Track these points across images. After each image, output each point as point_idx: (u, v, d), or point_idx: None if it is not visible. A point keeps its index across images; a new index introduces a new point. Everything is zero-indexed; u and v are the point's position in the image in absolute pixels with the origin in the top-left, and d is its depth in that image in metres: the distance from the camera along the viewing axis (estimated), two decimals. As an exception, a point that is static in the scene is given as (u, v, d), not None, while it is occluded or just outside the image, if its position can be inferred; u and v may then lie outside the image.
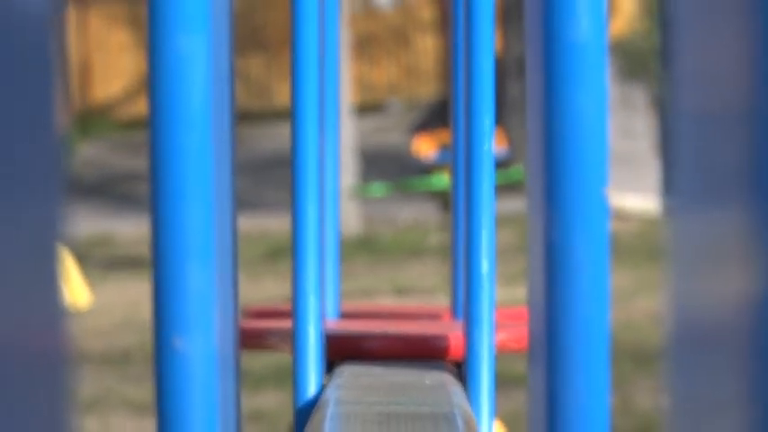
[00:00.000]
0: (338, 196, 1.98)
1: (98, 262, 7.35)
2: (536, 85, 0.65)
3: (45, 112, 0.41)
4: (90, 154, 11.64)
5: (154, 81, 0.62)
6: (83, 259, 7.11)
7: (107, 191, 10.39)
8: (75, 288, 6.31)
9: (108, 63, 12.67)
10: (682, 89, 0.37)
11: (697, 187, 0.35)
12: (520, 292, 4.28)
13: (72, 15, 12.63)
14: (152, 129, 0.62)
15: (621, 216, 8.46)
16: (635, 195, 9.54)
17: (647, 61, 10.46)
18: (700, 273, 0.35)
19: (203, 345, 0.61)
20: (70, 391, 0.39)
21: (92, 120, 12.25)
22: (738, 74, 0.32)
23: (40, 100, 0.40)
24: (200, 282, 0.61)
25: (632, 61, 10.04)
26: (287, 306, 1.70)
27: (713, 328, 0.34)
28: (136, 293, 6.37)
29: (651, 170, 10.02)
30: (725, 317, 0.33)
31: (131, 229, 8.60)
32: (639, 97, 10.23)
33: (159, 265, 0.61)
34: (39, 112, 0.40)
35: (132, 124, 11.82)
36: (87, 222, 9.01)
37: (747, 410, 0.31)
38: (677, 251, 0.35)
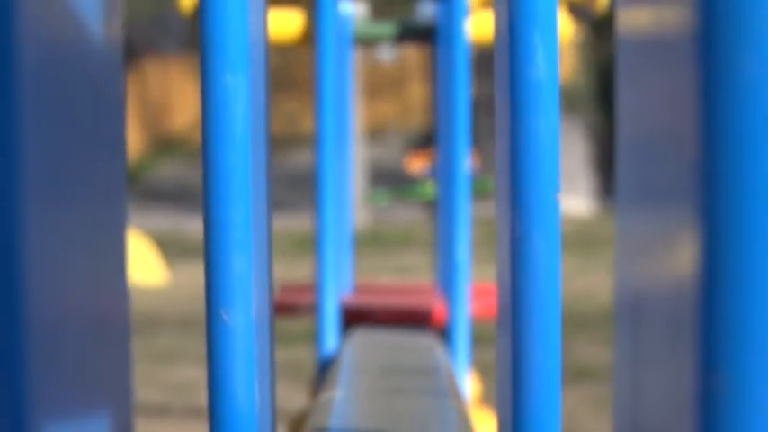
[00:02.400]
0: (352, 201, 1.97)
1: (174, 250, 7.35)
2: (503, 115, 0.63)
3: (117, 138, 0.38)
4: (169, 171, 11.67)
5: (206, 111, 0.60)
6: (163, 248, 7.11)
7: (181, 197, 10.41)
8: (154, 268, 6.30)
9: (183, 103, 12.69)
10: (623, 119, 0.35)
11: (635, 193, 0.33)
12: (490, 273, 4.27)
13: (157, 67, 12.67)
14: (204, 149, 0.60)
15: (561, 217, 8.45)
16: (572, 201, 9.55)
17: (583, 101, 10.50)
18: (638, 259, 0.33)
19: (244, 316, 0.60)
20: (128, 347, 0.37)
21: (171, 146, 12.29)
22: (666, 108, 0.30)
23: (112, 128, 0.38)
24: (242, 267, 0.59)
25: (571, 100, 10.07)
26: (312, 283, 1.68)
27: (648, 300, 0.32)
28: (201, 274, 6.36)
29: (584, 182, 10.04)
30: (657, 292, 0.31)
31: (199, 226, 8.61)
32: (576, 127, 10.25)
33: (210, 253, 0.60)
34: (111, 137, 0.38)
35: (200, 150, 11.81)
36: (166, 220, 9.02)
37: (672, 364, 0.29)
38: (621, 242, 0.33)
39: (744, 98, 0.23)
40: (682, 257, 0.27)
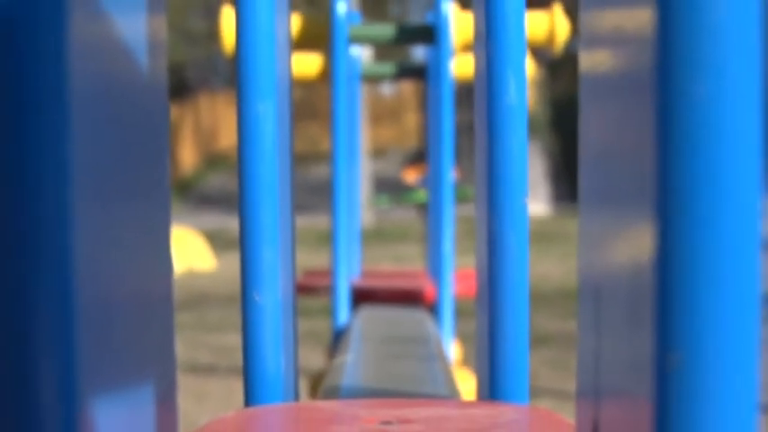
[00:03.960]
0: (359, 204, 1.96)
1: (221, 243, 7.33)
2: (481, 135, 0.62)
3: (160, 150, 0.37)
4: (217, 181, 11.66)
5: (242, 133, 0.58)
6: (212, 241, 7.09)
7: (226, 202, 10.39)
8: (205, 257, 6.28)
9: (228, 128, 12.67)
10: (585, 136, 0.33)
11: (596, 196, 0.32)
12: (470, 261, 4.25)
13: (208, 100, 12.66)
14: (240, 163, 0.58)
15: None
16: (532, 206, 9.55)
17: (541, 127, 10.51)
18: (598, 249, 0.31)
19: (272, 296, 0.58)
20: (172, 321, 0.35)
21: (218, 161, 12.28)
22: (624, 127, 0.29)
23: (157, 142, 0.36)
24: (270, 257, 0.58)
25: (532, 126, 10.07)
26: (328, 269, 1.67)
27: (608, 283, 0.31)
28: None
29: (542, 191, 10.05)
30: (616, 276, 0.29)
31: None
32: (535, 147, 10.27)
33: (245, 246, 0.58)
34: (155, 150, 0.36)
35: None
36: (214, 219, 9.01)
37: (631, 337, 0.28)
38: (583, 236, 0.32)
39: (693, 117, 0.22)
40: (639, 247, 0.25)
